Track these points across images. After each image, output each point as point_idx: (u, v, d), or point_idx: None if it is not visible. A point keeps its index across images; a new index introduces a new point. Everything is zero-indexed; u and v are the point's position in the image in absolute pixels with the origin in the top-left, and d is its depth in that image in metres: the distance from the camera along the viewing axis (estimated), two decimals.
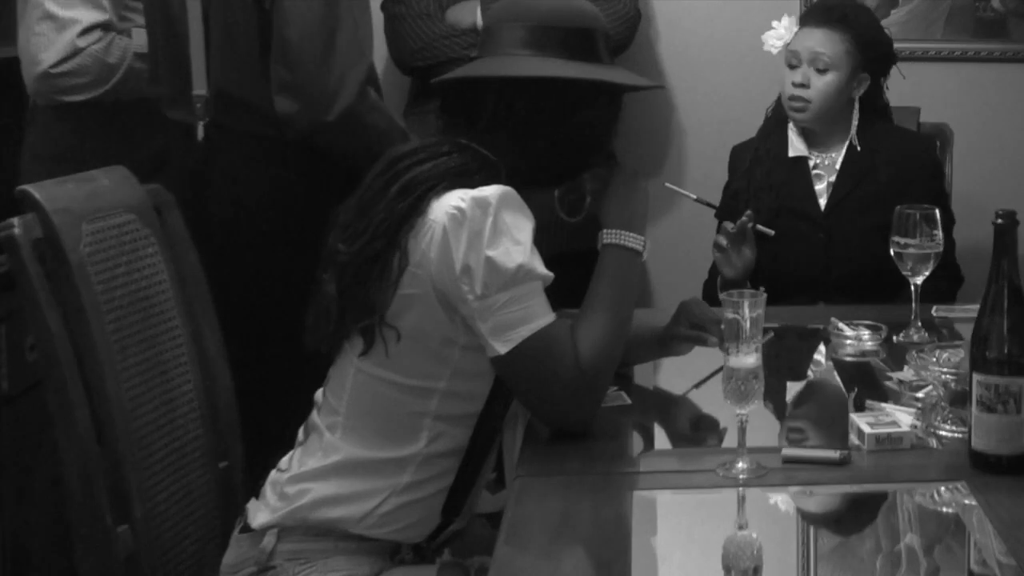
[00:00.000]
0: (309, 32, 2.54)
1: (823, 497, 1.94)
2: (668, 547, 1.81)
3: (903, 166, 2.99)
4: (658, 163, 3.78)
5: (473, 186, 1.98)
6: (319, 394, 2.12)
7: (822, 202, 3.03)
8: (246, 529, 2.09)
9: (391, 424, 2.02)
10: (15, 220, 2.08)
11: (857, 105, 3.01)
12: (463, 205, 1.94)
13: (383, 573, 2.04)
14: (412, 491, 2.02)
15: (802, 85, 2.99)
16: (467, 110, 2.11)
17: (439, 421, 2.02)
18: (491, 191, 1.96)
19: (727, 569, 1.70)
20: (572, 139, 2.11)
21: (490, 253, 1.93)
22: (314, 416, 2.11)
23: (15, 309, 2.78)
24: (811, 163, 3.06)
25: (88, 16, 3.05)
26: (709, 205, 3.07)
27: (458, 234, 1.93)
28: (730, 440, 1.94)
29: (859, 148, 3.00)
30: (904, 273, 2.56)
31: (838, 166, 3.03)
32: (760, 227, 2.93)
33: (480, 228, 1.93)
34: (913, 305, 2.56)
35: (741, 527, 1.85)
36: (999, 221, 1.94)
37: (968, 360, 1.96)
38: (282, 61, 2.56)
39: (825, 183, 3.04)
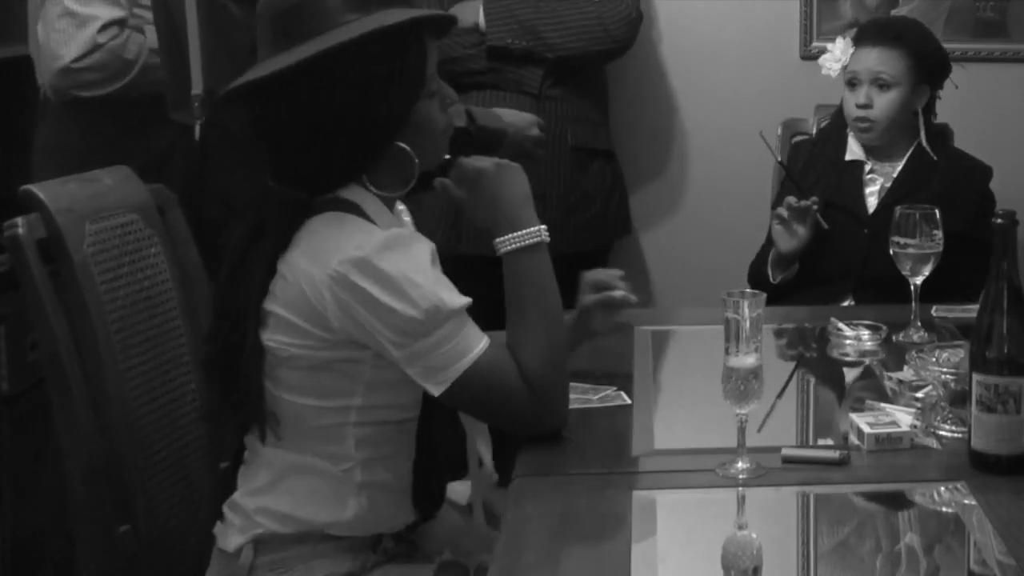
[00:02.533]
0: None
1: (823, 497, 1.95)
2: (668, 547, 1.81)
3: (959, 187, 3.02)
4: (661, 165, 3.79)
5: (280, 235, 1.91)
6: None
7: (872, 202, 3.06)
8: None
9: (318, 432, 1.96)
10: (19, 220, 2.09)
11: (921, 117, 3.07)
12: (341, 269, 1.85)
13: (376, 569, 2.01)
14: (370, 490, 1.97)
15: (866, 106, 3.05)
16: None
17: (363, 428, 1.95)
18: (367, 249, 1.85)
19: (727, 569, 1.70)
20: (349, 119, 1.92)
21: (394, 306, 1.85)
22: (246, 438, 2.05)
23: (15, 309, 2.79)
24: (867, 167, 3.10)
25: (106, 12, 3.14)
26: (787, 172, 3.11)
27: (354, 295, 1.85)
28: (730, 440, 1.94)
29: (934, 157, 3.05)
30: (904, 273, 2.57)
31: (896, 174, 3.07)
32: (819, 216, 2.99)
33: (370, 287, 1.85)
34: (913, 305, 2.56)
35: (741, 527, 1.85)
36: (999, 221, 1.95)
37: (968, 360, 1.96)
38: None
39: (879, 186, 3.08)
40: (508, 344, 1.99)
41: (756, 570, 1.71)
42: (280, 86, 1.91)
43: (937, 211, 2.56)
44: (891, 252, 2.57)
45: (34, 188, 2.13)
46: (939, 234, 2.55)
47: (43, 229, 2.11)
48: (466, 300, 1.91)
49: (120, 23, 3.14)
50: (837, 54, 3.13)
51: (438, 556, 2.08)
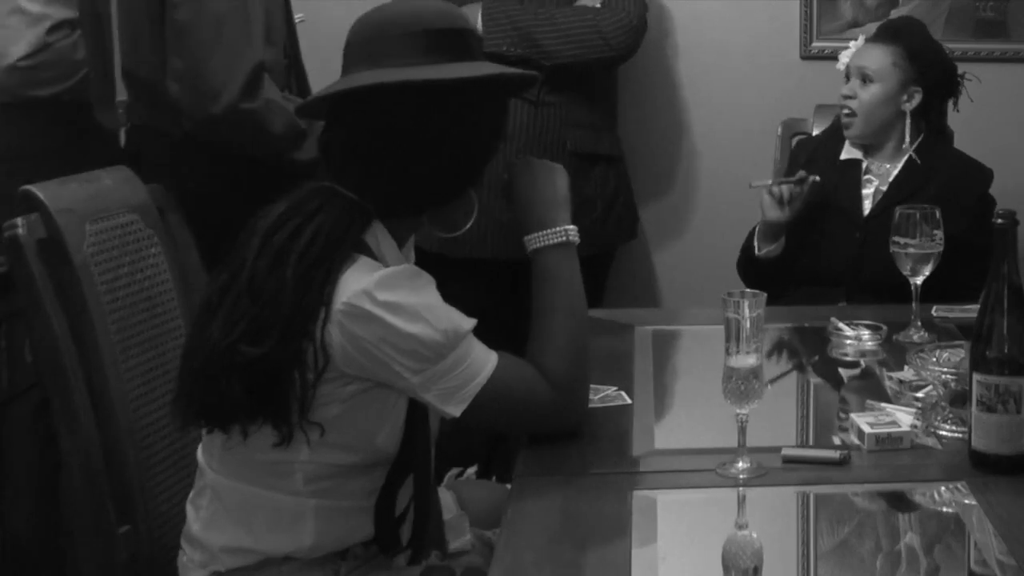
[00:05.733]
0: (198, 17, 2.52)
1: (823, 497, 1.95)
2: (668, 547, 1.81)
3: (955, 191, 3.00)
4: (660, 165, 3.79)
5: (352, 238, 1.88)
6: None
7: (867, 205, 3.07)
8: None
9: (265, 467, 1.93)
10: (19, 220, 2.09)
11: (909, 119, 3.06)
12: (353, 301, 1.83)
13: (355, 572, 1.99)
14: (328, 512, 1.94)
15: (848, 96, 3.07)
16: (336, 137, 1.98)
17: (311, 466, 1.92)
18: (374, 282, 1.84)
19: (727, 569, 1.70)
20: (447, 154, 1.95)
21: (412, 331, 1.84)
22: (198, 452, 2.03)
23: (15, 309, 2.79)
24: (863, 166, 3.10)
25: (58, 12, 3.12)
26: (795, 182, 3.06)
27: (367, 326, 1.83)
28: (730, 440, 1.94)
29: (919, 162, 3.05)
30: (904, 273, 2.57)
31: (891, 177, 3.07)
32: (811, 178, 3.00)
33: (385, 315, 1.83)
34: (913, 305, 2.56)
35: (741, 527, 1.85)
36: (999, 221, 1.95)
37: (968, 360, 1.96)
38: (174, 48, 2.54)
39: (874, 188, 3.08)
40: (531, 339, 2.00)
41: (756, 570, 1.71)
42: (422, 95, 1.90)
43: (938, 211, 2.57)
44: (891, 252, 2.58)
45: (34, 188, 2.14)
46: (939, 234, 2.55)
47: (43, 229, 2.11)
48: (473, 321, 1.92)
49: (71, 23, 3.11)
50: (853, 49, 3.16)
51: (424, 560, 2.06)
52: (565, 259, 2.04)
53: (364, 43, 1.95)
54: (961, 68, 3.14)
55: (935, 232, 2.55)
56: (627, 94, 3.69)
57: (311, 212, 1.90)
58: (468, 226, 2.02)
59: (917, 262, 2.55)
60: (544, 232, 2.04)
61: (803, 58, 3.69)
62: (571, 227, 2.05)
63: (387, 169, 1.94)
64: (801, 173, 3.02)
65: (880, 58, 3.06)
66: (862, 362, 2.51)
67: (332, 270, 1.85)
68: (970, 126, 3.33)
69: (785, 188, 3.01)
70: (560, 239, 2.04)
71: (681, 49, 3.74)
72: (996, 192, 3.09)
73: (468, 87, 1.93)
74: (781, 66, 3.69)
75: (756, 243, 3.08)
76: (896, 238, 2.56)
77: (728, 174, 3.70)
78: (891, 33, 3.10)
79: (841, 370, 2.50)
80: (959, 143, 3.25)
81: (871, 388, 2.31)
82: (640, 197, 3.68)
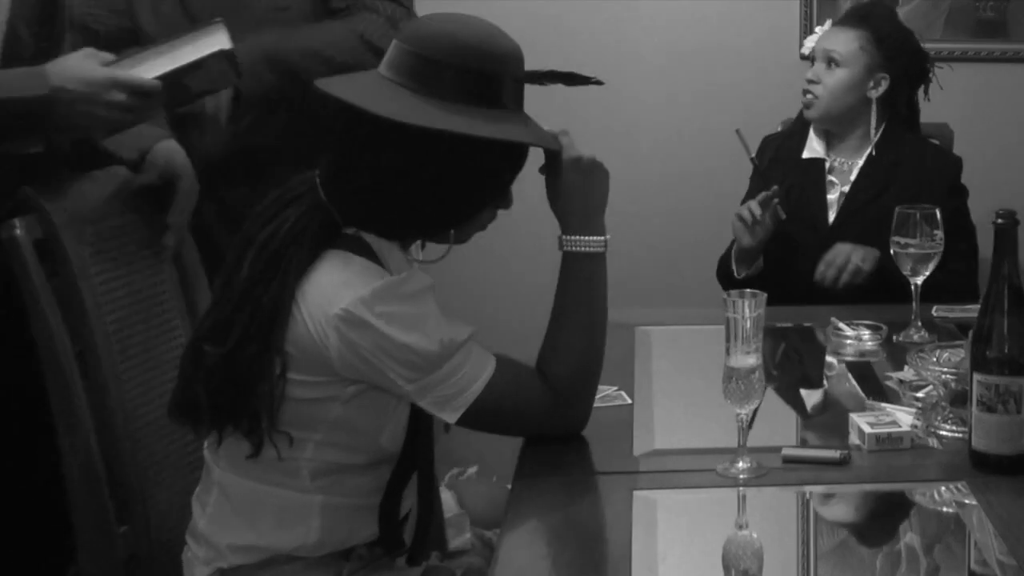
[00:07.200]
0: None
1: (823, 497, 1.95)
2: (668, 547, 1.81)
3: (921, 187, 2.91)
4: (660, 164, 3.79)
5: (313, 247, 1.84)
6: None
7: (831, 213, 3.01)
8: None
9: (271, 463, 1.91)
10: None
11: (875, 107, 3.00)
12: (351, 308, 1.81)
13: (357, 574, 1.99)
14: (333, 510, 1.93)
15: (812, 81, 3.02)
16: (340, 135, 1.92)
17: (316, 463, 1.91)
18: (373, 290, 1.82)
19: (727, 569, 1.71)
20: (439, 200, 1.90)
21: (408, 341, 1.82)
22: (204, 449, 2.02)
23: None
24: (827, 165, 3.04)
25: None
26: (757, 169, 3.01)
27: (364, 334, 1.82)
28: (730, 440, 1.94)
29: (875, 154, 2.99)
30: (904, 273, 2.57)
31: (853, 176, 3.01)
32: (778, 207, 2.92)
33: (381, 325, 1.81)
34: (913, 305, 2.56)
35: (741, 527, 1.86)
36: (999, 221, 1.95)
37: (968, 360, 1.96)
38: None
39: (838, 193, 3.02)
40: (546, 339, 1.99)
41: (756, 570, 1.71)
42: (427, 136, 1.83)
43: (937, 210, 2.56)
44: (891, 252, 2.57)
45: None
46: (939, 234, 2.55)
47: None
48: (471, 328, 1.91)
49: None
50: (819, 34, 3.13)
51: (425, 561, 2.06)
52: (596, 267, 2.02)
53: (412, 50, 1.87)
54: (961, 68, 3.12)
55: (935, 232, 2.55)
56: (626, 94, 3.69)
57: (285, 203, 1.89)
58: (443, 256, 1.99)
59: (917, 262, 2.55)
60: (586, 238, 2.01)
61: (803, 58, 3.68)
62: (607, 237, 2.03)
63: (372, 191, 1.89)
64: (770, 190, 2.93)
65: (847, 42, 2.99)
66: (862, 362, 2.51)
67: (291, 270, 1.83)
68: (970, 126, 3.33)
69: (754, 205, 2.91)
70: (599, 249, 2.01)
71: (681, 48, 3.74)
72: (995, 192, 3.07)
73: (487, 145, 1.87)
74: (781, 66, 3.69)
75: (734, 266, 3.01)
76: (896, 238, 2.56)
77: (728, 174, 3.70)
78: (859, 17, 3.04)
79: (841, 370, 2.50)
80: (959, 143, 3.24)
81: (871, 388, 2.31)
82: (640, 197, 3.68)
